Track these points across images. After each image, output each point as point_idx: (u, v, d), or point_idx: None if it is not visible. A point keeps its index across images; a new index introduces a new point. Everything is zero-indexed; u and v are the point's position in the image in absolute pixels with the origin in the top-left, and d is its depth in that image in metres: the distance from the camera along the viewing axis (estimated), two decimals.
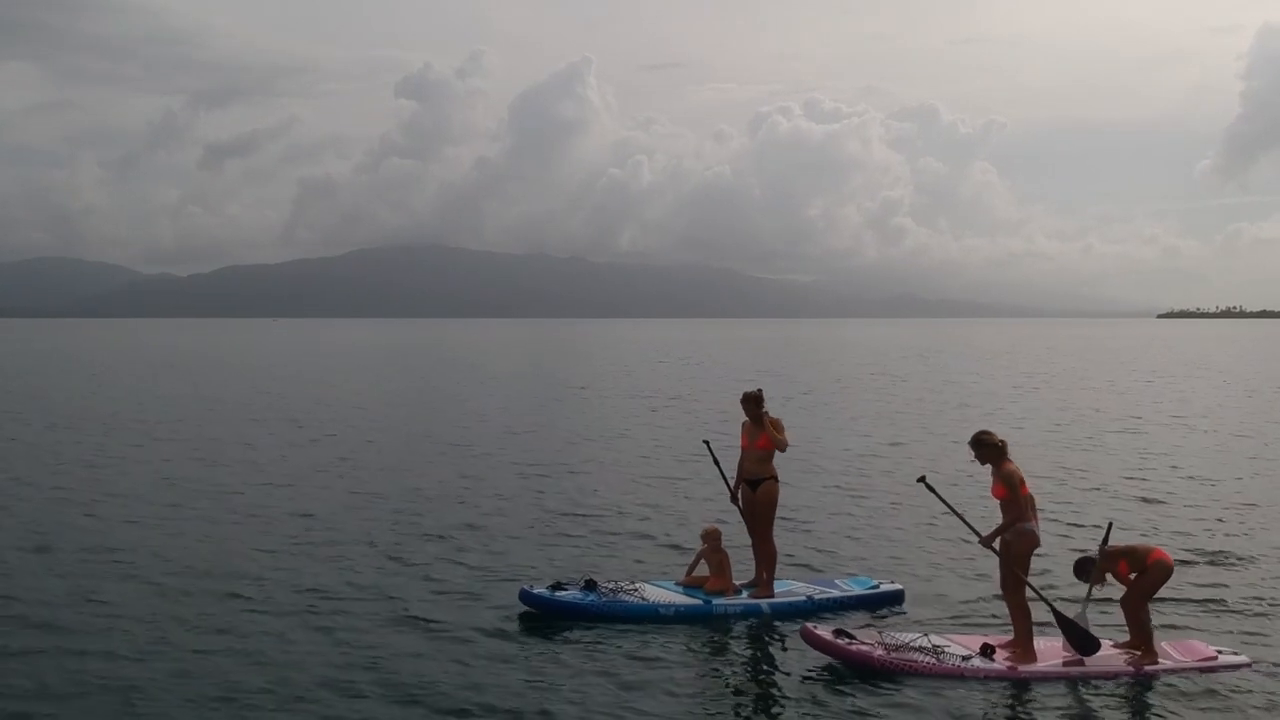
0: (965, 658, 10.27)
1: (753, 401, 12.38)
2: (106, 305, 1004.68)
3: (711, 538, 12.43)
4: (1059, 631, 10.41)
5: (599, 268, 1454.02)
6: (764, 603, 12.03)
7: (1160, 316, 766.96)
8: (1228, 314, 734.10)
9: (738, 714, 9.29)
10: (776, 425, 12.35)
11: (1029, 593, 10.43)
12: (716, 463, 12.97)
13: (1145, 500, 18.68)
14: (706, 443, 13.43)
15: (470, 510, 17.81)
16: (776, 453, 12.29)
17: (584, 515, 17.34)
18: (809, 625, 10.70)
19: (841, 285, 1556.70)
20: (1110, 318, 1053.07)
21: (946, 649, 10.40)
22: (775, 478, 12.35)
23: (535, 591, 11.99)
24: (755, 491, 12.35)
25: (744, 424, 12.57)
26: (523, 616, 11.80)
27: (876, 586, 12.52)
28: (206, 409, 36.69)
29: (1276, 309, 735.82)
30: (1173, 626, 11.27)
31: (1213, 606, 12.13)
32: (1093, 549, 11.06)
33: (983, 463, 10.48)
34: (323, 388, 48.89)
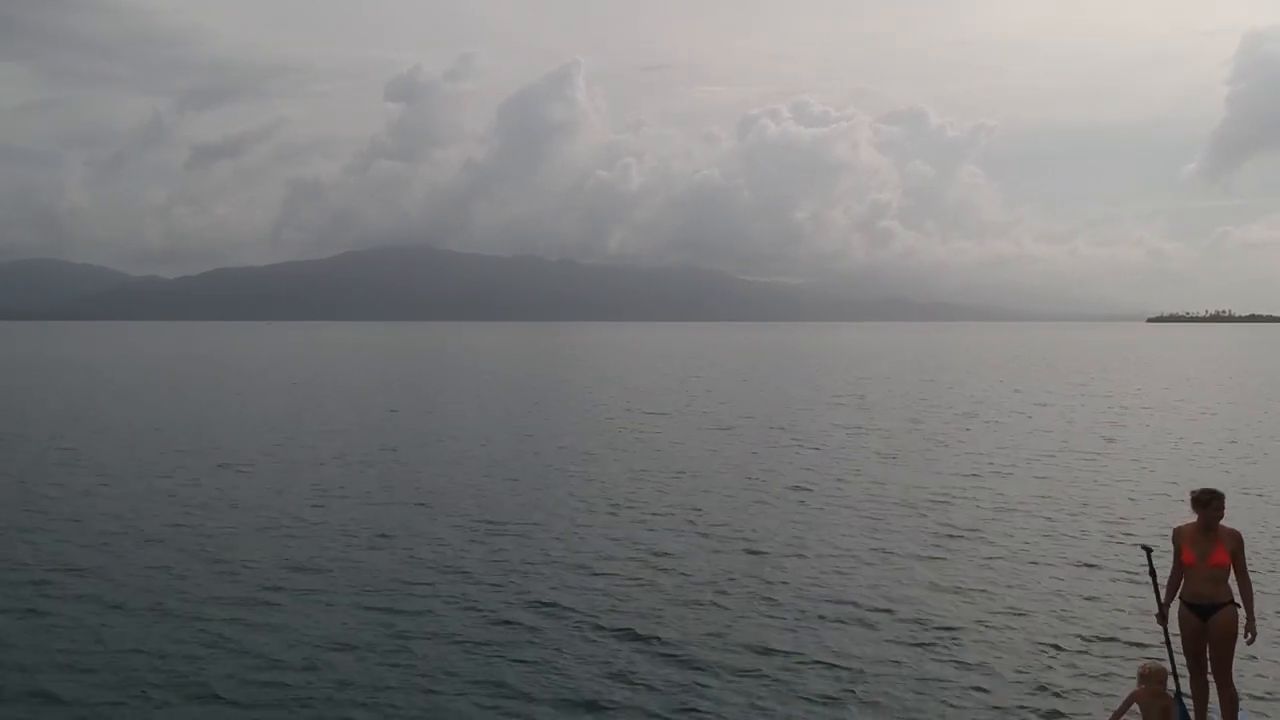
0: None
1: (1215, 504, 9.49)
2: (94, 307, 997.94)
3: (1154, 679, 9.54)
4: None
5: (588, 270, 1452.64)
6: None
7: (1151, 320, 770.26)
8: (1217, 318, 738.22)
9: None
10: (1235, 539, 9.51)
11: None
12: (1153, 574, 10.04)
13: None
14: (1147, 550, 10.42)
15: (768, 605, 14.08)
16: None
17: (924, 614, 13.77)
18: None
19: (830, 288, 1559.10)
20: (1101, 321, 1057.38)
21: None
22: (1235, 603, 9.46)
23: None
24: (1208, 620, 9.45)
25: (1184, 529, 9.66)
26: None
27: None
28: (307, 433, 33.44)
29: (1265, 313, 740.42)
30: None
31: None
32: None
33: None
34: (406, 407, 45.85)
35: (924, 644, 12.61)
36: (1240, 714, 9.46)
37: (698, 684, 11.18)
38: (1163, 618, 9.74)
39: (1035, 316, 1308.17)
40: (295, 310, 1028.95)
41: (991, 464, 27.33)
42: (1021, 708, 10.70)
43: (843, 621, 13.50)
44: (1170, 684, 9.72)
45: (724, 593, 14.84)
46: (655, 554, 17.21)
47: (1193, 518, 9.57)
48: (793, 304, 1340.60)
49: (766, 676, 11.41)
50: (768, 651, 12.25)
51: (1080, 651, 12.32)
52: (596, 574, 15.84)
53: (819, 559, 16.86)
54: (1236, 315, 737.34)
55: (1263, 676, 11.55)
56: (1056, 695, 11.09)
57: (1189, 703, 9.77)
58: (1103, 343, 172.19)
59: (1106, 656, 12.04)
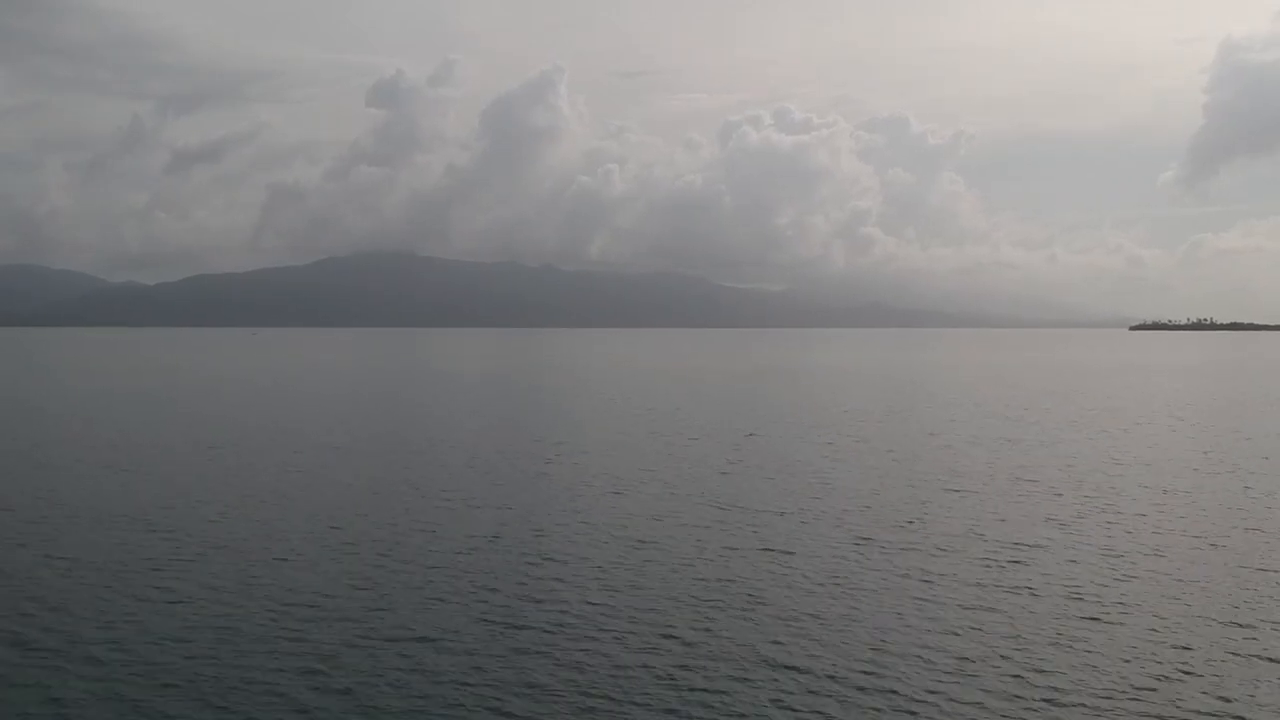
0: None
1: None
2: (72, 313, 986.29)
3: None
4: None
5: (569, 276, 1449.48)
6: None
7: (1133, 329, 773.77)
8: (1198, 326, 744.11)
9: None
10: None
11: None
12: None
13: None
14: None
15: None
16: None
17: None
18: None
19: (811, 294, 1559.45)
20: (1080, 328, 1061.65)
21: None
22: None
23: None
24: None
25: None
26: None
27: None
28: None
29: (1246, 321, 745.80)
30: None
31: None
32: None
33: None
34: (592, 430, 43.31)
35: None
36: None
37: None
38: None
39: (1016, 323, 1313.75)
40: (275, 317, 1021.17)
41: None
42: None
43: None
44: None
45: None
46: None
47: None
48: (774, 310, 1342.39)
49: None
50: None
51: None
52: None
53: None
54: (1218, 324, 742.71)
55: None
56: None
57: None
58: (1120, 362, 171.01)
59: None
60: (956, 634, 19.75)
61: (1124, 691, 16.93)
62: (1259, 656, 18.60)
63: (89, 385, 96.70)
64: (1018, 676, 17.54)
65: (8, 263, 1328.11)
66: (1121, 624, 20.46)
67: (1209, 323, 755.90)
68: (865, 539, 27.86)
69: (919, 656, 18.51)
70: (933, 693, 16.87)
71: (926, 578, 23.81)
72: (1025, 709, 16.26)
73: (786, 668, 17.96)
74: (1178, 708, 16.33)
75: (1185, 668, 18.02)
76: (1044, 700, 16.57)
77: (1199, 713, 16.15)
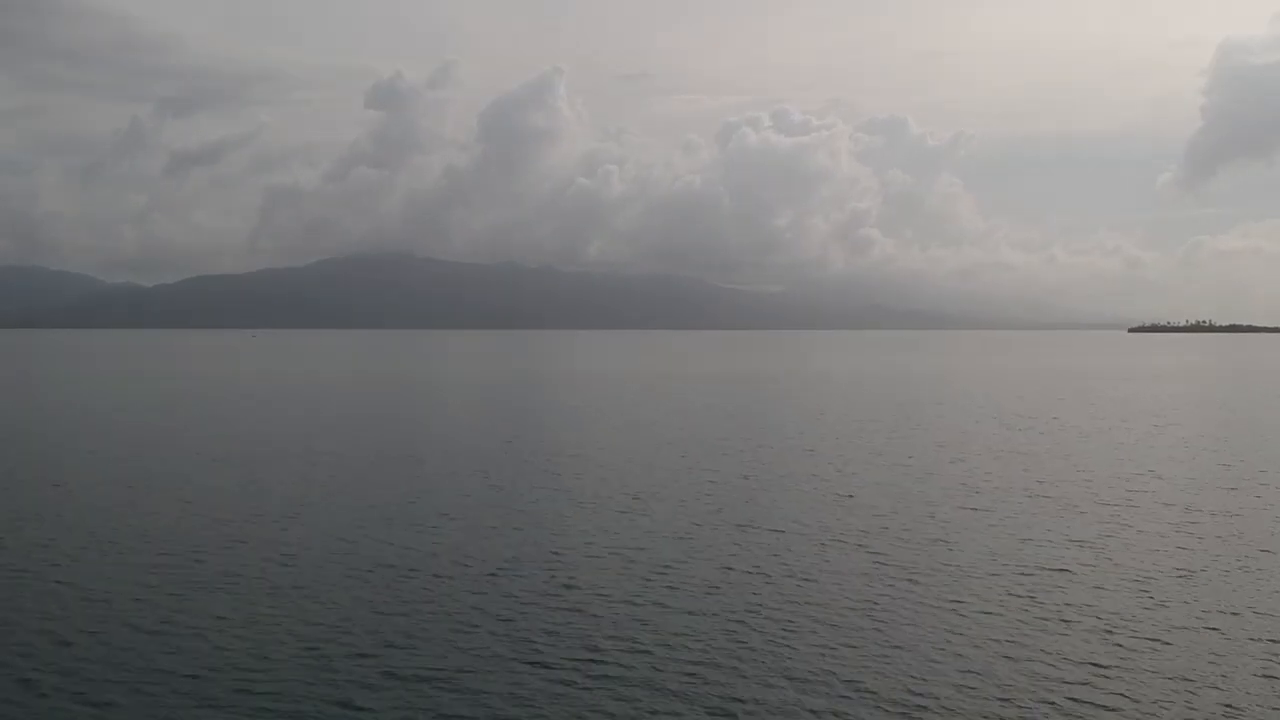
0: None
1: None
2: (70, 315, 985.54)
3: None
4: None
5: (568, 277, 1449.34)
6: None
7: (1132, 330, 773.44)
8: (1197, 328, 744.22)
9: None
10: None
11: None
12: None
13: None
14: None
15: None
16: None
17: None
18: None
19: (810, 295, 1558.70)
20: (1079, 329, 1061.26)
21: None
22: None
23: None
24: None
25: None
26: None
27: None
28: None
29: (1245, 323, 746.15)
30: None
31: None
32: None
33: None
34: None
35: None
36: None
37: None
38: None
39: (1015, 325, 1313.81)
40: (274, 318, 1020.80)
41: None
42: None
43: None
44: None
45: None
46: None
47: None
48: (773, 311, 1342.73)
49: None
50: None
51: None
52: None
53: None
54: (1217, 325, 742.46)
55: None
56: None
57: None
58: (1123, 366, 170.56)
59: None
60: (994, 669, 19.24)
61: None
62: None
63: (89, 390, 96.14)
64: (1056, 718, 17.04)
65: (6, 264, 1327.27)
66: (1157, 656, 19.96)
67: (1208, 324, 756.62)
68: (889, 563, 27.33)
69: (957, 696, 17.99)
70: None
71: (955, 607, 23.27)
72: None
73: (824, 711, 17.43)
74: None
75: (1230, 709, 17.51)
76: None
77: None
